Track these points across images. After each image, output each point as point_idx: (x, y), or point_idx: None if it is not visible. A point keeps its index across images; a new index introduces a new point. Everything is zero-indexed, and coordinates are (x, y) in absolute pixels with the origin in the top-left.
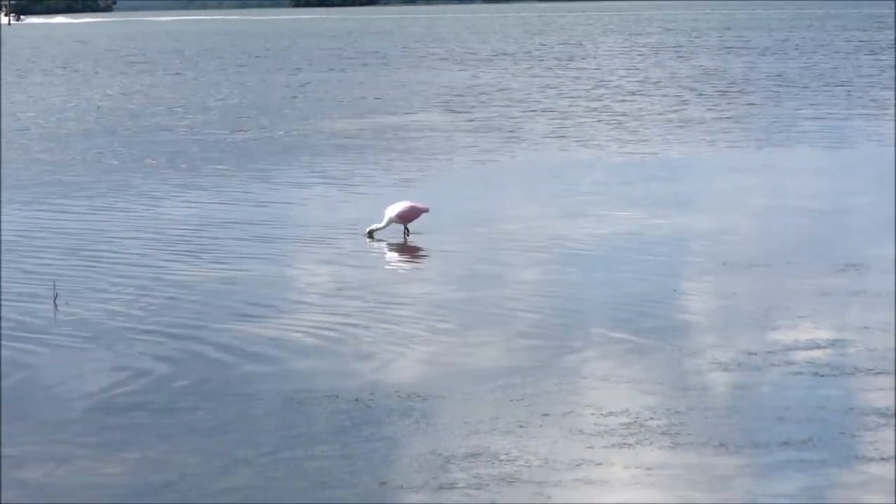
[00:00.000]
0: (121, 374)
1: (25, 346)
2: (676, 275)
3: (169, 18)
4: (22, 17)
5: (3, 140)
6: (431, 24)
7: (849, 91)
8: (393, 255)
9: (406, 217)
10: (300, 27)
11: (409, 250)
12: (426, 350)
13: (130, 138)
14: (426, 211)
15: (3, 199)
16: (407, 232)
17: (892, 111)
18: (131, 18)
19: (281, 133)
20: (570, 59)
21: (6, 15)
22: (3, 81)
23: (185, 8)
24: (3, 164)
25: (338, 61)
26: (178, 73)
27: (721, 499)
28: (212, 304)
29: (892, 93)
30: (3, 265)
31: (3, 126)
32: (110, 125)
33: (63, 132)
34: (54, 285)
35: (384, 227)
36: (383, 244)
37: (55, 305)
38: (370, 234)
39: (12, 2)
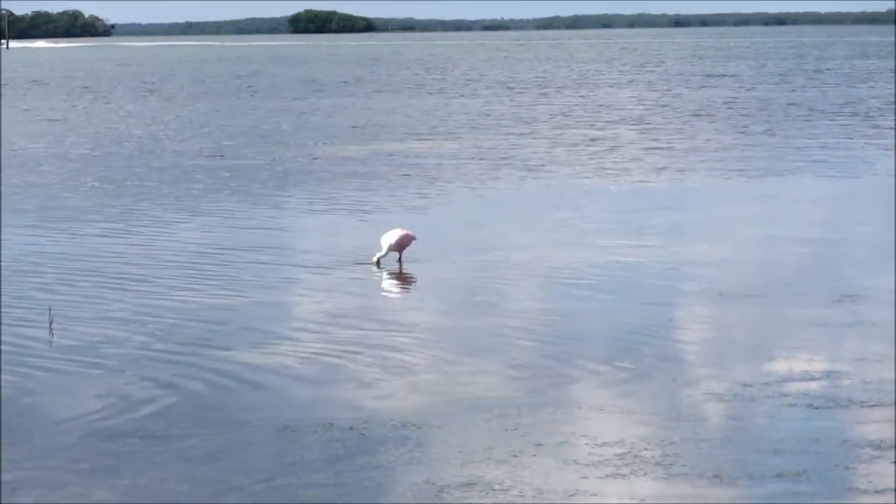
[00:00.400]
0: (115, 400)
1: (20, 372)
2: (672, 304)
3: (151, 44)
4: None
5: (3, 163)
6: (430, 50)
7: (851, 120)
8: (390, 283)
9: (402, 245)
10: (299, 53)
11: (406, 278)
12: (422, 379)
13: (130, 164)
14: (414, 238)
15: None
16: (400, 260)
17: (893, 140)
18: (116, 43)
19: (283, 158)
20: (571, 86)
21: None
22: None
23: (185, 33)
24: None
25: (340, 87)
26: (169, 99)
27: None
28: (208, 331)
29: (893, 121)
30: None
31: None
32: (110, 150)
33: (63, 155)
34: (50, 311)
35: (385, 255)
36: (382, 272)
37: (51, 331)
38: (377, 264)
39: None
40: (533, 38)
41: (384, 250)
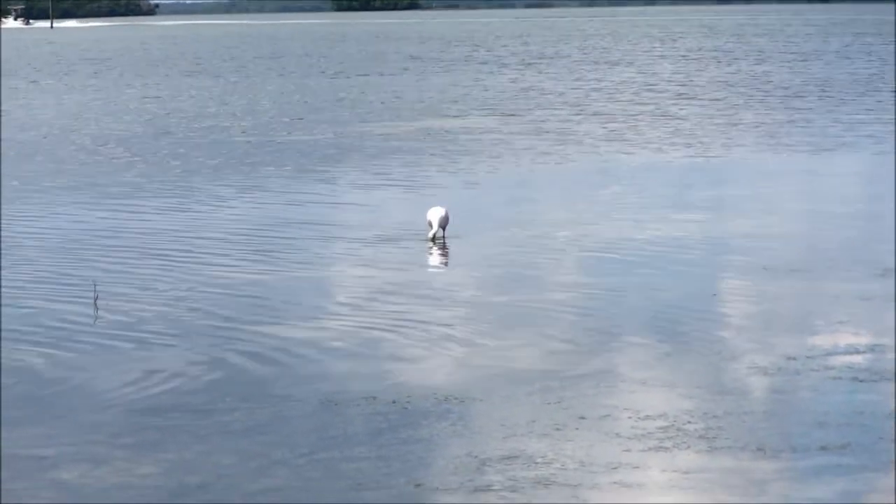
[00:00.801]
0: (157, 376)
1: (65, 347)
2: (716, 278)
3: (197, 22)
4: (30, 21)
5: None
6: (474, 28)
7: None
8: (432, 258)
9: (445, 222)
10: (345, 31)
11: (448, 253)
12: (463, 352)
13: (182, 141)
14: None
15: (58, 199)
16: (444, 236)
17: None
18: (162, 23)
19: (331, 135)
20: (614, 63)
21: (16, 19)
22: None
23: (228, 11)
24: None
25: (383, 65)
26: (218, 76)
27: (758, 503)
28: (251, 306)
29: None
30: (45, 267)
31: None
32: (162, 127)
33: (109, 134)
34: (94, 287)
35: (437, 230)
36: (423, 247)
37: (95, 307)
38: (433, 239)
39: (31, 5)
40: (580, 15)
41: (435, 226)
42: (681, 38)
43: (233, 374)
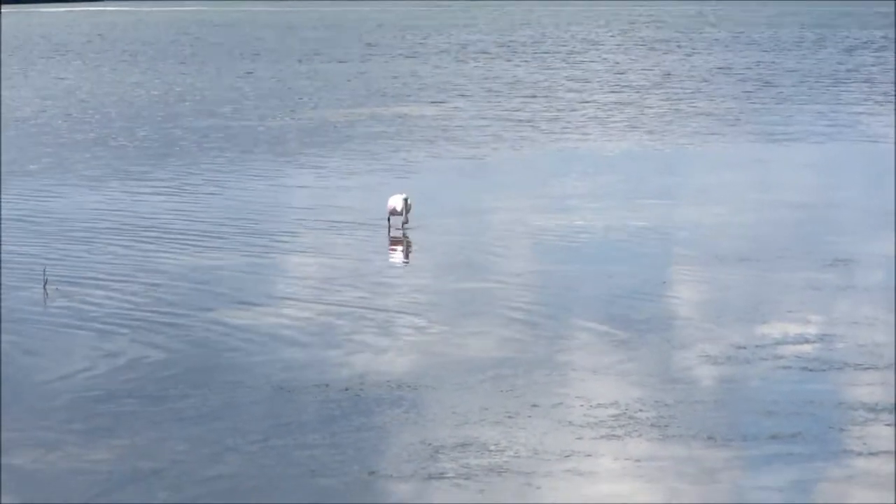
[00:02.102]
0: (110, 362)
1: (14, 332)
2: (667, 267)
3: (151, 9)
4: None
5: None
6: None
7: (846, 87)
8: (386, 246)
9: (407, 208)
10: (291, 18)
11: (402, 241)
12: (416, 340)
13: (158, 125)
14: None
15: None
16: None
17: (892, 107)
18: (118, 8)
19: (286, 122)
20: (570, 53)
21: None
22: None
23: None
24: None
25: (364, 51)
26: (183, 63)
27: (709, 491)
28: (202, 293)
29: (892, 88)
30: None
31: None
32: (131, 112)
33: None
34: (44, 271)
35: (404, 217)
36: (378, 234)
37: (45, 291)
38: (403, 224)
39: None
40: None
41: (402, 212)
42: (632, 28)
43: (185, 361)
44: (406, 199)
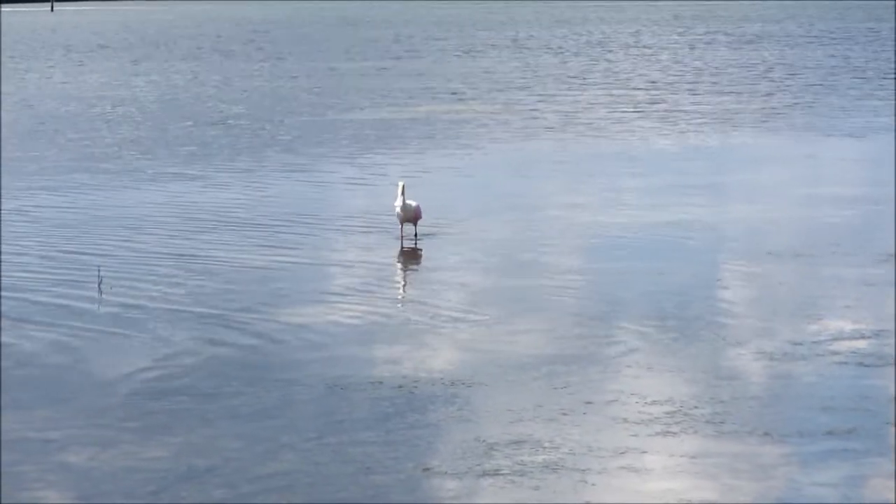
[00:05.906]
0: (164, 360)
1: (69, 331)
2: (721, 264)
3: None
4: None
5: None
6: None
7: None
8: (437, 243)
9: (416, 217)
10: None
11: (453, 239)
12: (470, 337)
13: (181, 125)
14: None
15: (59, 183)
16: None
17: None
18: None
19: (328, 119)
20: (609, 50)
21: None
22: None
23: None
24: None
25: (386, 51)
26: (198, 60)
27: (764, 488)
28: (257, 290)
29: None
30: (48, 250)
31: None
32: (152, 112)
33: (99, 117)
34: (99, 270)
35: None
36: (429, 232)
37: (99, 290)
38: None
39: None
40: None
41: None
42: (680, 27)
43: (239, 359)
44: (402, 186)
